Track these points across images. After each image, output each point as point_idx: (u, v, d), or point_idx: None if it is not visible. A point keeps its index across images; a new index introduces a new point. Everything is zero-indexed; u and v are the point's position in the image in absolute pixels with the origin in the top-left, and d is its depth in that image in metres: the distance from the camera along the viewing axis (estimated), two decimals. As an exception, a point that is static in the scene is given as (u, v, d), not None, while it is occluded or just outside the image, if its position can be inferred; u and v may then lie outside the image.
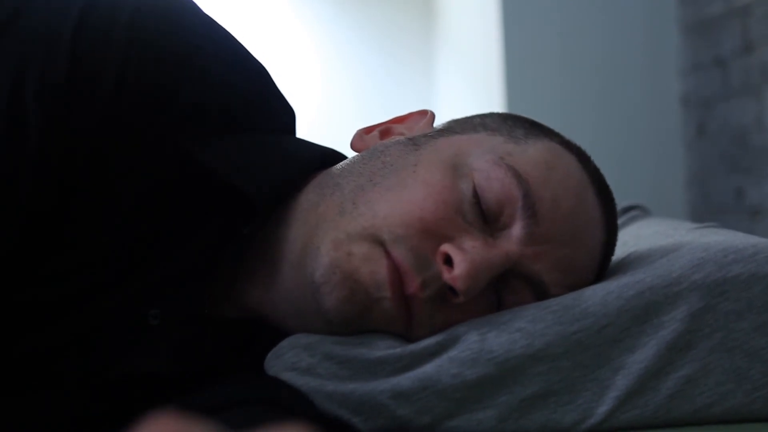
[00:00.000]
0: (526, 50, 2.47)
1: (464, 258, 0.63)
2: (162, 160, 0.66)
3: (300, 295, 0.66)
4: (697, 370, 0.64)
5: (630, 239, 0.90)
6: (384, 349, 0.65)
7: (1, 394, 0.66)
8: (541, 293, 0.67)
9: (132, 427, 0.34)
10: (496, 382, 0.63)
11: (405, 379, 0.64)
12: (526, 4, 2.48)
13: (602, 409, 0.63)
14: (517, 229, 0.66)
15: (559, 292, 0.67)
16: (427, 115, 0.77)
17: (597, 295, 0.66)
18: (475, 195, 0.66)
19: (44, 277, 0.65)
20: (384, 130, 0.76)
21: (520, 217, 0.66)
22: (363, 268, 0.64)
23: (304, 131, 0.82)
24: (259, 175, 0.68)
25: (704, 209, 2.42)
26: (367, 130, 0.76)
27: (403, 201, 0.65)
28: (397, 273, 0.64)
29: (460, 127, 0.73)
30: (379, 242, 0.64)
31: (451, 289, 0.64)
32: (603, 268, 0.72)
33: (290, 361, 0.66)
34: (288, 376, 0.65)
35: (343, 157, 0.76)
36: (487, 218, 0.66)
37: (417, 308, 0.65)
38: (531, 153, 0.69)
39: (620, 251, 0.77)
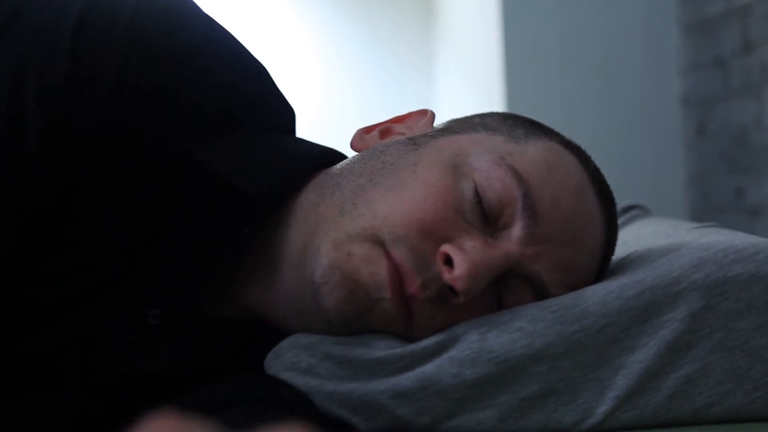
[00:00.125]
0: (526, 50, 2.47)
1: (464, 258, 0.63)
2: (162, 160, 0.66)
3: (300, 295, 0.66)
4: (697, 370, 0.64)
5: (630, 239, 0.90)
6: (384, 349, 0.65)
7: (1, 394, 0.66)
8: (541, 293, 0.67)
9: (132, 427, 0.34)
10: (496, 381, 0.63)
11: (405, 379, 0.64)
12: (526, 4, 2.48)
13: (602, 408, 0.63)
14: (517, 230, 0.66)
15: (559, 292, 0.67)
16: (427, 115, 0.77)
17: (597, 294, 0.66)
18: (476, 195, 0.66)
19: (44, 277, 0.65)
20: (384, 129, 0.76)
21: (520, 217, 0.66)
22: (363, 269, 0.64)
23: (304, 131, 0.82)
24: (259, 175, 0.68)
25: (704, 209, 2.42)
26: (367, 130, 0.76)
27: (403, 201, 0.65)
28: (397, 273, 0.64)
29: (460, 126, 0.73)
30: (379, 243, 0.64)
31: (452, 290, 0.64)
32: (603, 268, 0.72)
33: (290, 361, 0.66)
34: (288, 376, 0.65)
35: (343, 157, 0.76)
36: (487, 218, 0.66)
37: (417, 309, 0.65)
38: (531, 153, 0.69)
39: (620, 251, 0.77)
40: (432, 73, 3.51)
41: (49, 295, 0.65)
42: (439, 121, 0.77)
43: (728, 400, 0.64)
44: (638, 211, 1.14)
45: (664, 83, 2.50)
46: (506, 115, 0.75)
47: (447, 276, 0.63)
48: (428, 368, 0.64)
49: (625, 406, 0.63)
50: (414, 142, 0.71)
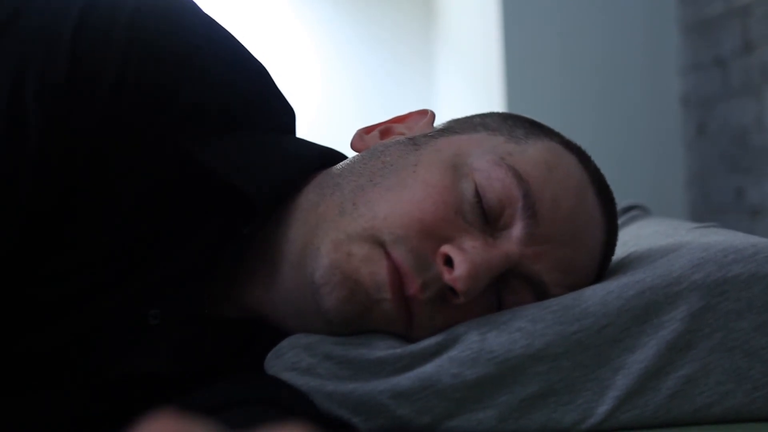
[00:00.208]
0: (526, 50, 2.47)
1: (464, 259, 0.63)
2: (162, 160, 0.66)
3: (300, 295, 0.66)
4: (697, 370, 0.64)
5: (630, 239, 0.90)
6: (384, 349, 0.65)
7: (1, 394, 0.66)
8: (541, 293, 0.67)
9: (132, 427, 0.34)
10: (496, 381, 0.63)
11: (405, 379, 0.64)
12: (526, 4, 2.48)
13: (602, 408, 0.63)
14: (517, 230, 0.66)
15: (559, 292, 0.67)
16: (427, 115, 0.77)
17: (597, 294, 0.66)
18: (476, 195, 0.66)
19: (44, 277, 0.65)
20: (384, 129, 0.76)
21: (520, 217, 0.66)
22: (363, 269, 0.64)
23: (304, 131, 0.82)
24: (259, 175, 0.68)
25: (704, 209, 2.42)
26: (367, 130, 0.76)
27: (403, 201, 0.65)
28: (397, 274, 0.64)
29: (460, 126, 0.73)
30: (379, 243, 0.64)
31: (452, 290, 0.64)
32: (603, 268, 0.72)
33: (290, 361, 0.66)
34: (288, 376, 0.65)
35: (343, 157, 0.76)
36: (487, 218, 0.66)
37: (417, 309, 0.65)
38: (531, 153, 0.69)
39: (620, 251, 0.77)
40: (432, 73, 3.51)
41: (49, 295, 0.65)
42: (439, 121, 0.77)
43: (728, 400, 0.64)
44: (638, 211, 1.14)
45: (664, 83, 2.50)
46: (506, 115, 0.75)
47: (447, 276, 0.63)
48: (428, 368, 0.64)
49: (625, 406, 0.63)
50: (414, 143, 0.71)
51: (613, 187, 0.74)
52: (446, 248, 0.64)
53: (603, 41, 2.48)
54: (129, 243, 0.66)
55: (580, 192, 0.70)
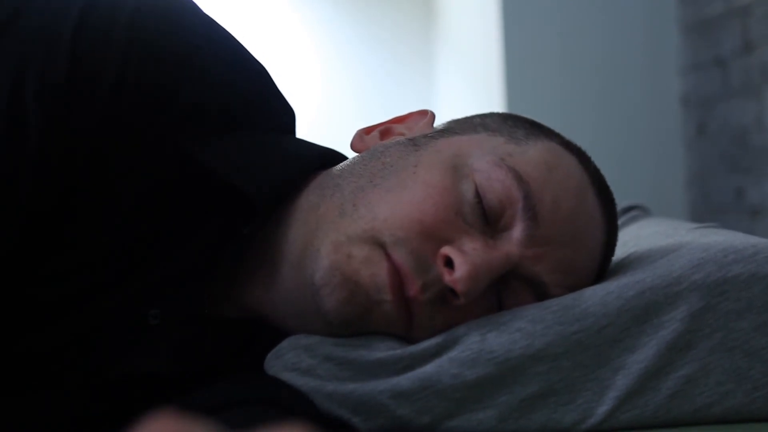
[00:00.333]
0: (526, 50, 2.47)
1: (465, 260, 0.63)
2: (162, 160, 0.66)
3: (300, 296, 0.66)
4: (697, 370, 0.64)
5: (630, 239, 0.90)
6: (384, 350, 0.65)
7: (1, 394, 0.66)
8: (541, 294, 0.67)
9: (132, 427, 0.34)
10: (496, 382, 0.63)
11: (405, 379, 0.64)
12: (526, 4, 2.48)
13: (602, 409, 0.63)
14: (517, 231, 0.66)
15: (559, 293, 0.67)
16: (427, 116, 0.77)
17: (597, 295, 0.66)
18: (477, 196, 0.66)
19: (44, 277, 0.65)
20: (384, 130, 0.76)
21: (520, 218, 0.66)
22: (363, 271, 0.64)
23: (304, 131, 0.82)
24: (259, 175, 0.68)
25: (704, 209, 2.42)
26: (367, 131, 0.76)
27: (403, 203, 0.65)
28: (397, 275, 0.64)
29: (460, 127, 0.73)
30: (379, 244, 0.64)
31: (452, 291, 0.64)
32: (603, 268, 0.72)
33: (290, 361, 0.66)
34: (288, 377, 0.65)
35: (343, 157, 0.76)
36: (488, 219, 0.66)
37: (417, 310, 0.65)
38: (531, 154, 0.69)
39: (620, 251, 0.77)
40: (432, 73, 3.51)
41: (49, 295, 0.65)
42: (439, 122, 0.77)
43: (728, 400, 0.64)
44: (638, 211, 1.14)
45: (664, 83, 2.50)
46: (506, 116, 0.74)
47: (447, 278, 0.63)
48: (428, 368, 0.64)
49: (625, 406, 0.63)
50: (414, 143, 0.71)
51: (613, 187, 0.74)
52: (446, 250, 0.64)
53: (603, 41, 2.48)
54: (129, 243, 0.66)
55: (581, 193, 0.70)
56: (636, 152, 2.46)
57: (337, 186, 0.69)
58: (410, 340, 0.66)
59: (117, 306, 0.67)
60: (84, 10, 0.65)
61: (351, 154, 0.75)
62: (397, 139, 0.73)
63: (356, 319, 0.65)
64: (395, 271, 0.63)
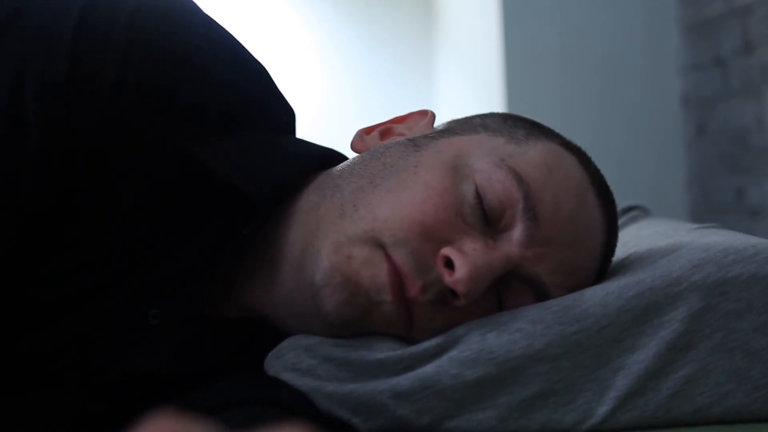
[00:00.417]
0: (526, 50, 2.47)
1: (465, 261, 0.63)
2: (162, 160, 0.66)
3: (300, 297, 0.66)
4: (697, 371, 0.64)
5: (630, 240, 0.90)
6: (384, 351, 0.65)
7: (1, 394, 0.66)
8: (541, 295, 0.67)
9: (132, 427, 0.34)
10: (496, 382, 0.63)
11: (405, 380, 0.64)
12: (526, 4, 2.49)
13: (602, 409, 0.63)
14: (517, 232, 0.66)
15: (559, 293, 0.67)
16: (427, 116, 0.77)
17: (597, 295, 0.66)
18: (477, 196, 0.66)
19: (44, 277, 0.65)
20: (384, 130, 0.76)
21: (520, 219, 0.66)
22: (363, 272, 0.64)
23: (304, 131, 0.82)
24: (259, 174, 0.68)
25: (704, 209, 2.42)
26: (368, 131, 0.76)
27: (403, 203, 0.65)
28: (397, 276, 0.63)
29: (460, 127, 0.73)
30: (379, 245, 0.64)
31: (452, 292, 0.64)
32: (603, 269, 0.72)
33: (290, 362, 0.66)
34: (288, 377, 0.65)
35: (343, 157, 0.76)
36: (488, 220, 0.66)
37: (417, 311, 0.64)
38: (532, 155, 0.69)
39: (620, 251, 0.77)
40: (432, 73, 3.51)
41: (49, 295, 0.65)
42: (439, 122, 0.77)
43: (728, 401, 0.64)
44: (638, 211, 1.14)
45: (664, 83, 2.50)
46: (506, 116, 0.74)
47: (448, 279, 0.63)
48: (428, 369, 0.64)
49: (625, 406, 0.63)
50: (414, 144, 0.71)
51: (613, 187, 0.74)
52: (447, 250, 0.64)
53: (603, 41, 2.48)
54: (129, 243, 0.66)
55: (581, 193, 0.70)
56: (636, 152, 2.47)
57: (337, 186, 0.69)
58: (410, 341, 0.66)
59: (117, 306, 0.67)
60: (84, 10, 0.65)
61: (351, 155, 0.75)
62: (397, 140, 0.73)
63: (356, 319, 0.64)
64: (395, 272, 0.63)
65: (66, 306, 0.66)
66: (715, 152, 2.36)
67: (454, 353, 0.64)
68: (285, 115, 0.76)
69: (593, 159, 0.74)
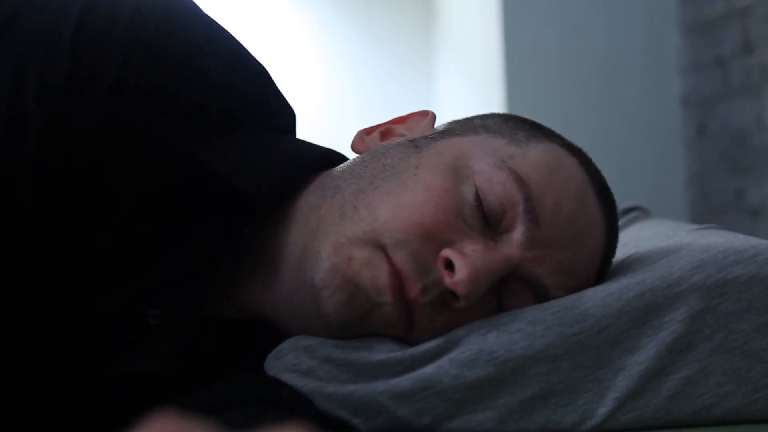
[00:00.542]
0: (526, 50, 2.47)
1: (465, 263, 0.63)
2: (162, 160, 0.66)
3: (300, 298, 0.66)
4: (697, 372, 0.64)
5: (630, 240, 0.90)
6: (384, 352, 0.65)
7: (1, 394, 0.66)
8: (542, 296, 0.67)
9: (132, 427, 0.34)
10: (496, 383, 0.63)
11: (405, 380, 0.64)
12: (526, 4, 2.49)
13: (602, 410, 0.63)
14: (518, 233, 0.66)
15: (560, 294, 0.67)
16: (427, 116, 0.76)
17: (597, 296, 0.66)
18: (477, 198, 0.66)
19: (44, 277, 0.65)
20: (385, 131, 0.76)
21: (521, 220, 0.66)
22: (364, 273, 0.64)
23: (304, 131, 0.82)
24: (259, 175, 0.68)
25: (704, 209, 2.42)
26: (368, 131, 0.76)
27: (403, 205, 0.65)
28: (397, 278, 0.63)
29: (461, 128, 0.73)
30: (379, 247, 0.64)
31: (452, 294, 0.64)
32: (604, 270, 0.72)
33: (290, 362, 0.66)
34: (288, 378, 0.65)
35: (343, 158, 0.76)
36: (488, 222, 0.66)
37: (417, 313, 0.64)
38: (532, 156, 0.69)
39: (620, 252, 0.77)
40: (432, 73, 3.51)
41: (49, 295, 0.65)
42: (439, 122, 0.77)
43: (728, 402, 0.64)
44: (638, 212, 1.14)
45: (664, 83, 2.50)
46: (507, 117, 0.74)
47: (448, 280, 0.63)
48: (428, 369, 0.64)
49: (625, 407, 0.63)
50: (415, 145, 0.70)
51: (613, 187, 0.74)
52: (447, 252, 0.64)
53: (603, 41, 2.48)
54: (129, 243, 0.66)
55: (581, 195, 0.70)
56: (636, 152, 2.47)
57: (337, 187, 0.69)
58: (410, 342, 0.66)
59: (117, 306, 0.67)
60: (84, 10, 0.65)
61: (351, 155, 0.75)
62: (397, 140, 0.73)
63: (356, 321, 0.64)
64: (395, 274, 0.63)
65: (66, 306, 0.66)
66: (715, 152, 2.36)
67: (454, 354, 0.64)
68: (285, 115, 0.76)
69: (593, 159, 0.74)
